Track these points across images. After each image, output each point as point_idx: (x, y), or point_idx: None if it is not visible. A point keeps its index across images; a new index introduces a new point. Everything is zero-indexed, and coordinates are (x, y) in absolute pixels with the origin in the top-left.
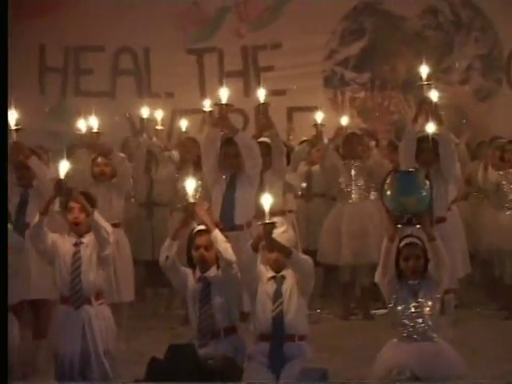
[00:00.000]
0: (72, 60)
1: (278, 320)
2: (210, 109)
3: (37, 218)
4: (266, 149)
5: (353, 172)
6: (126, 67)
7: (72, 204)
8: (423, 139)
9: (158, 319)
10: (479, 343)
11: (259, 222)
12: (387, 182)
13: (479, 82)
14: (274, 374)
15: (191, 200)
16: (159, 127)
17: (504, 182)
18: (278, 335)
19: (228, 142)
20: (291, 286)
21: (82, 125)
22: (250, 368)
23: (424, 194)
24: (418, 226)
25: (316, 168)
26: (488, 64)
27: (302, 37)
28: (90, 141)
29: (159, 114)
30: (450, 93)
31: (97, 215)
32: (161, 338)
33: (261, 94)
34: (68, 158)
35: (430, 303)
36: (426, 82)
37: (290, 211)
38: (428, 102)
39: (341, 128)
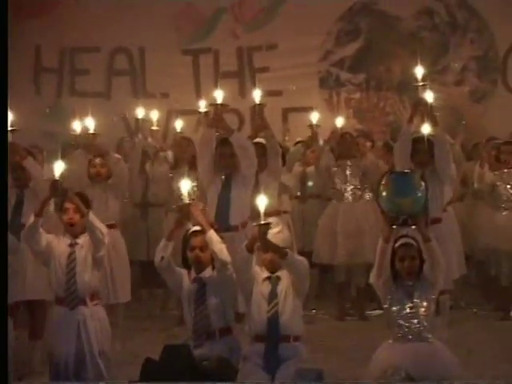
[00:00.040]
0: (67, 60)
1: (273, 321)
2: (205, 109)
3: (32, 219)
4: (261, 149)
5: (347, 172)
6: (121, 68)
7: (67, 205)
8: (418, 140)
9: (153, 320)
10: (474, 344)
11: (254, 223)
12: (382, 182)
13: (475, 83)
14: (269, 374)
15: (186, 200)
16: (154, 128)
17: (499, 183)
18: (273, 336)
19: (223, 142)
20: (286, 287)
21: (77, 125)
22: (245, 369)
23: (419, 194)
24: (413, 226)
25: (311, 169)
26: (483, 65)
27: (298, 38)
28: (87, 142)
29: (154, 115)
30: (446, 94)
31: (92, 216)
32: (156, 339)
33: (256, 94)
34: (63, 158)
35: (425, 304)
36: (421, 83)
37: (286, 212)
38: (423, 102)
39: (336, 129)
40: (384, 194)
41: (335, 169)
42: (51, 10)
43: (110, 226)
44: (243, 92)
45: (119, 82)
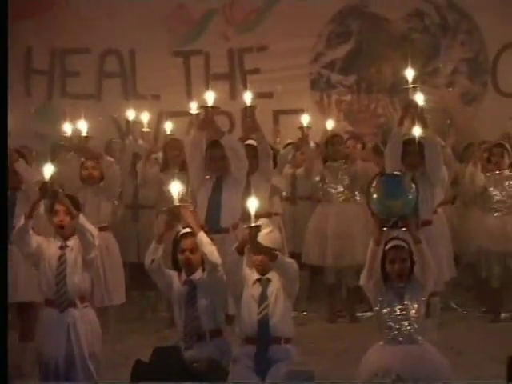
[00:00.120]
0: (58, 62)
1: (264, 323)
2: (197, 111)
3: (22, 221)
4: (252, 151)
5: (337, 174)
6: (112, 69)
7: (57, 207)
8: (409, 142)
9: (144, 322)
10: (465, 346)
11: (245, 226)
12: (373, 185)
13: (465, 85)
14: (259, 376)
15: (176, 203)
16: (145, 129)
17: (490, 185)
18: (263, 338)
19: (214, 144)
20: (277, 289)
21: (68, 127)
22: (235, 371)
23: (410, 197)
24: (403, 228)
25: (301, 171)
26: (474, 67)
27: (288, 39)
28: (79, 144)
29: (145, 116)
30: (437, 96)
31: (82, 218)
32: (147, 341)
33: (247, 96)
34: (53, 160)
35: (415, 306)
36: (411, 85)
37: (276, 214)
38: (414, 105)
39: (327, 131)
40: (374, 196)
41: (325, 173)
42: (42, 12)
43: (102, 229)
44: (234, 94)
45: (110, 84)
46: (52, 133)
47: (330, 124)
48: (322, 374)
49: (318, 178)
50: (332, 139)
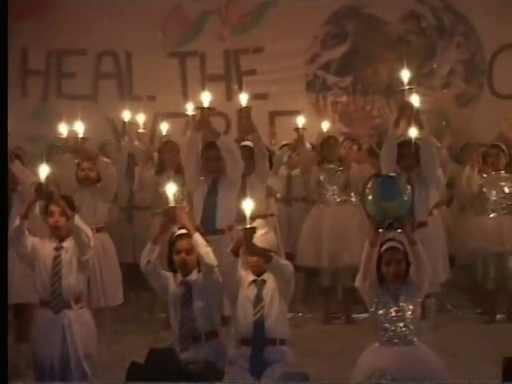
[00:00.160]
0: (54, 63)
1: (259, 324)
2: (193, 112)
3: (17, 222)
4: (248, 153)
5: (332, 176)
6: (108, 70)
7: (52, 208)
8: (404, 144)
9: (139, 323)
10: (460, 347)
11: (240, 227)
12: (368, 186)
13: (461, 86)
14: (255, 378)
15: (172, 204)
16: (141, 130)
17: (487, 186)
18: (259, 339)
19: (209, 145)
20: (272, 290)
21: (63, 128)
22: (230, 372)
23: (405, 198)
24: (399, 230)
25: (296, 172)
26: (470, 69)
27: (284, 41)
28: (76, 146)
29: (141, 118)
30: (433, 97)
31: (77, 219)
32: (142, 342)
33: (243, 98)
34: (49, 161)
35: (411, 307)
36: (407, 87)
37: (272, 215)
38: (409, 106)
39: (322, 133)
40: (370, 197)
41: (320, 176)
42: (38, 13)
43: (98, 230)
44: (230, 95)
45: (106, 85)
46: (48, 134)
47: (325, 125)
48: (317, 375)
49: (313, 182)
50: (327, 141)
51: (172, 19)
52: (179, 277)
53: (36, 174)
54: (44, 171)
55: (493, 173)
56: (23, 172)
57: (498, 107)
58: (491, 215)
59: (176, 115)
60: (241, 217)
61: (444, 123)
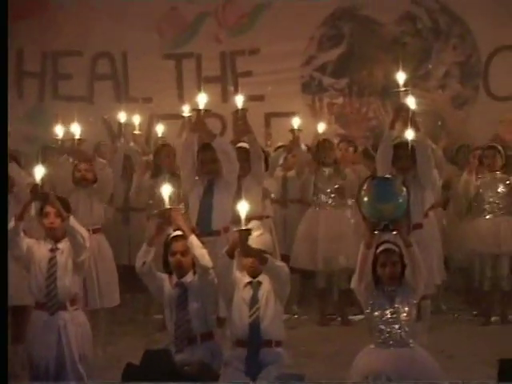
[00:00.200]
0: (50, 64)
1: (255, 326)
2: (189, 114)
3: (12, 223)
4: (244, 154)
5: (327, 179)
6: (103, 72)
7: (48, 209)
8: (400, 145)
9: (135, 324)
10: (455, 349)
11: (235, 229)
12: (364, 188)
13: (457, 88)
14: (250, 379)
15: (167, 206)
16: (137, 132)
17: (483, 187)
18: (254, 341)
19: (205, 147)
20: (267, 292)
21: (59, 130)
22: (226, 374)
23: (401, 200)
24: (394, 232)
25: (292, 173)
26: (466, 71)
27: (280, 42)
28: (72, 147)
29: (137, 119)
30: (428, 99)
31: (72, 220)
32: (138, 344)
33: (239, 99)
34: (44, 162)
35: (406, 309)
36: (402, 89)
37: (268, 217)
38: (405, 108)
39: (318, 135)
40: (365, 199)
41: (315, 179)
42: (34, 14)
43: (95, 231)
44: (226, 97)
45: (102, 87)
46: (43, 135)
47: (321, 127)
48: (312, 377)
49: (308, 184)
50: (323, 144)
51: (168, 21)
52: (174, 278)
53: (32, 175)
54: (39, 172)
55: (489, 174)
56: (19, 173)
57: (493, 109)
58: (487, 216)
59: (172, 117)
60: (236, 218)
61: (440, 123)
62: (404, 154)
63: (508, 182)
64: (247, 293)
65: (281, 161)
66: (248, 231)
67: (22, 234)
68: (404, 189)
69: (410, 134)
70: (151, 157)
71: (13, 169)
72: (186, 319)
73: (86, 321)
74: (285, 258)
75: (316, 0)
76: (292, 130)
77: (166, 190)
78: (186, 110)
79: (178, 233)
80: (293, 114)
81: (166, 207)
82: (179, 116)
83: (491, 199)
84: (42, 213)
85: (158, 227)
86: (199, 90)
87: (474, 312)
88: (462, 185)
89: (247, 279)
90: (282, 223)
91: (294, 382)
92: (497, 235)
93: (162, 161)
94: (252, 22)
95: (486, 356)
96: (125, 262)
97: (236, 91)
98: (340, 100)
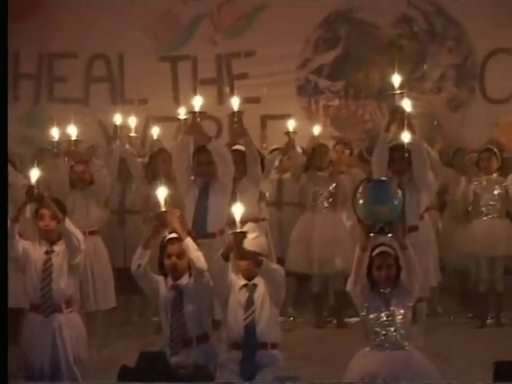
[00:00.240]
0: (46, 66)
1: (250, 328)
2: (185, 116)
3: (8, 226)
4: (240, 157)
5: (321, 184)
6: (99, 74)
7: (43, 211)
8: (396, 148)
9: (130, 327)
10: (451, 352)
11: (230, 232)
12: (359, 190)
13: (452, 91)
14: (246, 382)
15: (163, 208)
16: (133, 134)
17: (479, 189)
18: (250, 343)
19: (201, 149)
20: (263, 294)
21: (55, 132)
22: (221, 376)
23: (396, 202)
24: (390, 234)
25: (287, 176)
26: (461, 73)
27: (276, 45)
28: (69, 148)
29: (133, 121)
30: (424, 102)
31: (68, 222)
32: (133, 346)
33: (235, 102)
34: (40, 164)
35: (401, 311)
36: (398, 91)
37: (264, 219)
38: (400, 111)
39: (314, 137)
40: (361, 201)
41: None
42: (29, 16)
43: (91, 233)
44: (222, 99)
45: (97, 89)
46: (39, 137)
47: (316, 129)
48: (308, 379)
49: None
50: (318, 148)
51: (164, 23)
52: (170, 281)
53: (27, 177)
54: (35, 174)
55: (485, 177)
56: (15, 175)
57: (489, 112)
58: (483, 219)
59: (167, 119)
60: (232, 221)
61: (436, 122)
62: (400, 157)
63: (504, 184)
64: (243, 295)
65: (276, 163)
66: (243, 234)
67: (17, 236)
68: (399, 191)
69: (405, 137)
70: (147, 159)
71: (9, 172)
72: (182, 321)
73: (81, 323)
74: (280, 261)
75: (312, 2)
76: (287, 133)
77: (162, 193)
78: (181, 113)
79: (174, 235)
80: (288, 116)
81: (161, 210)
82: (175, 118)
83: (487, 202)
84: (37, 215)
85: (154, 230)
86: (195, 92)
87: (470, 314)
88: (460, 193)
89: (243, 282)
90: (278, 226)
91: None
92: (492, 237)
93: (158, 166)
94: (248, 25)
95: (481, 358)
96: (120, 264)
97: (232, 93)
98: (336, 102)
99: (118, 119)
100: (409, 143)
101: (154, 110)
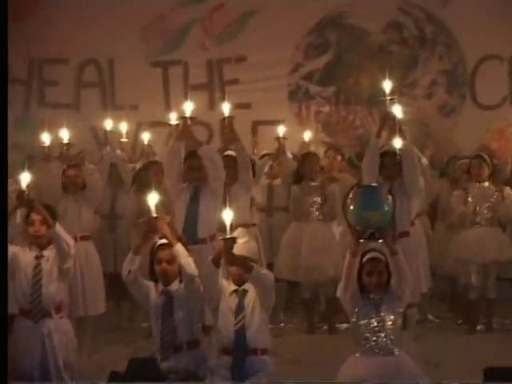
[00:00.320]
0: (36, 72)
1: (241, 334)
2: (176, 122)
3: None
4: (231, 162)
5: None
6: (90, 79)
7: (33, 217)
8: (386, 154)
9: (120, 332)
10: (441, 357)
11: (220, 237)
12: (350, 196)
13: (443, 97)
14: None
15: (153, 214)
16: (124, 140)
17: (472, 198)
18: (240, 349)
19: (191, 155)
20: (253, 300)
21: (46, 137)
22: (212, 381)
23: (386, 208)
24: (380, 240)
25: (277, 182)
26: (452, 79)
27: (267, 50)
28: (61, 152)
29: (123, 127)
30: (415, 108)
31: (58, 227)
32: (123, 352)
33: (226, 107)
34: (30, 168)
35: (392, 317)
36: (389, 97)
37: (254, 225)
38: (391, 116)
39: (304, 143)
40: (351, 207)
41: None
42: (20, 21)
43: (83, 238)
44: (213, 104)
45: (88, 94)
46: (30, 142)
47: (307, 135)
48: None
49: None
50: (308, 157)
51: (155, 28)
52: (160, 286)
53: (18, 182)
54: (25, 179)
55: (477, 184)
56: (10, 183)
57: (480, 118)
58: (475, 226)
59: (158, 124)
60: (223, 226)
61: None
62: (390, 163)
63: (496, 193)
64: (233, 301)
65: (266, 169)
66: (233, 239)
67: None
68: (390, 197)
69: (396, 143)
70: (138, 164)
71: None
72: (172, 327)
73: (71, 329)
74: (270, 267)
75: (303, 8)
76: (278, 138)
77: (152, 199)
78: (172, 118)
79: (164, 241)
80: (280, 122)
81: (152, 216)
82: (166, 124)
83: (480, 210)
84: (27, 220)
85: (144, 235)
86: (186, 97)
87: (460, 320)
88: (453, 205)
89: (233, 287)
90: (268, 232)
91: None
92: (482, 244)
93: (149, 177)
94: (239, 30)
95: (471, 364)
96: (111, 269)
97: (223, 99)
98: (327, 108)
99: (108, 124)
100: (400, 149)
101: (144, 115)
